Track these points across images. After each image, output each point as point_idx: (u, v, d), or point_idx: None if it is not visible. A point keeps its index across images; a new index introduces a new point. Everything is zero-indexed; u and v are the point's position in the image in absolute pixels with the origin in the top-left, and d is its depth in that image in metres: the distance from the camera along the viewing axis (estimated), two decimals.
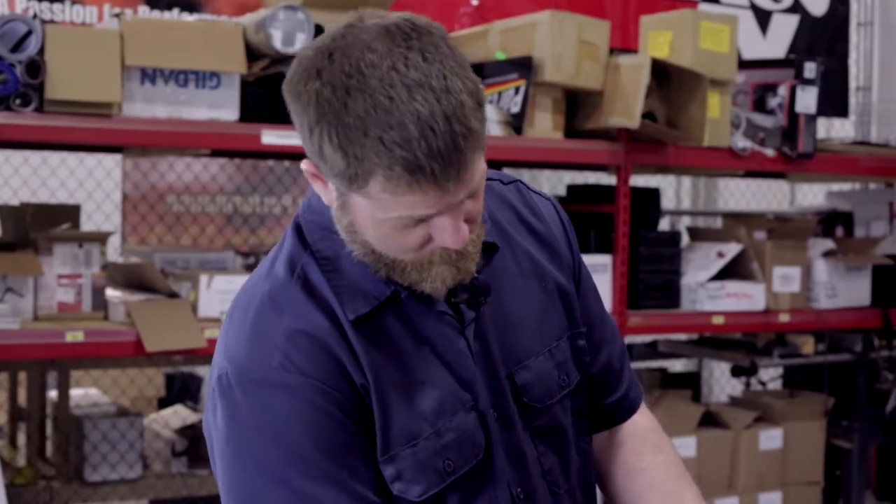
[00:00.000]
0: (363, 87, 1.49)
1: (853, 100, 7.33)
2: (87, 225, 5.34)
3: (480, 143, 1.56)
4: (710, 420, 5.23)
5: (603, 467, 2.00)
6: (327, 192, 1.63)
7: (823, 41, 7.03)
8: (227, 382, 1.66)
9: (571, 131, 4.61)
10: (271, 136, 3.96)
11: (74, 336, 3.77)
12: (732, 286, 4.99)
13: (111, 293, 4.08)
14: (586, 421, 1.92)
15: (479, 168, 1.58)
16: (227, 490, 1.68)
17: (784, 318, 5.10)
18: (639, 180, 5.41)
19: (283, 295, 1.68)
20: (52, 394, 4.75)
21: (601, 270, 4.59)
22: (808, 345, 5.45)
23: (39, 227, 4.12)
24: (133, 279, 4.15)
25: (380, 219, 1.57)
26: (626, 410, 2.01)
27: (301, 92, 1.54)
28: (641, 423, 2.02)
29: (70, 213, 4.49)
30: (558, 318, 1.88)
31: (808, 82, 5.00)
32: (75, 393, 4.91)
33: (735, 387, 6.87)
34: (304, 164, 1.62)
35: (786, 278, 5.13)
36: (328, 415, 1.63)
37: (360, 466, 1.65)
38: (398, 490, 1.68)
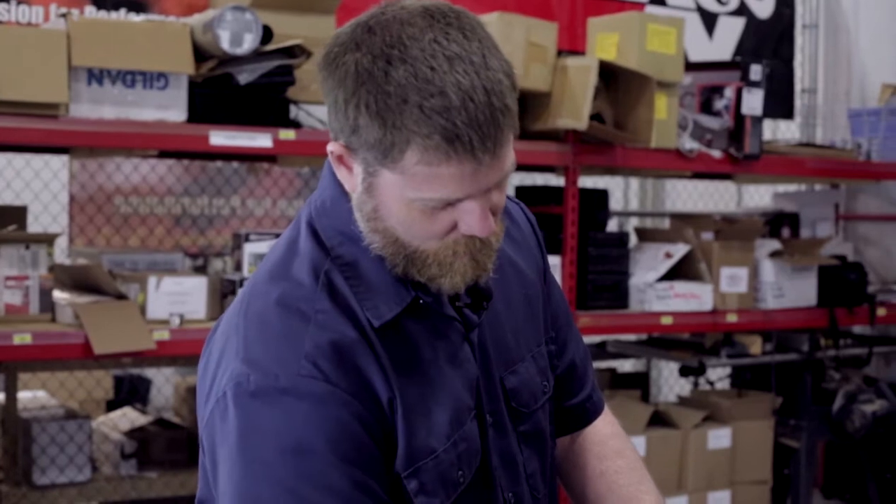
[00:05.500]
0: (405, 56, 1.50)
1: (798, 102, 7.39)
2: (33, 226, 5.30)
3: (514, 125, 1.56)
4: (658, 420, 5.26)
5: (565, 471, 2.02)
6: (351, 178, 1.61)
7: (769, 44, 7.09)
8: (247, 388, 1.59)
9: (520, 133, 4.62)
10: (219, 137, 3.94)
11: (22, 338, 3.73)
12: (680, 287, 5.02)
13: (58, 295, 4.05)
14: (553, 426, 1.93)
15: (511, 153, 1.58)
16: (231, 498, 1.60)
17: (732, 318, 5.13)
18: (587, 181, 5.43)
19: (309, 303, 1.64)
20: (0, 396, 4.71)
21: None
22: (755, 345, 5.50)
23: None
24: (81, 281, 4.12)
25: (409, 198, 1.55)
26: (590, 413, 2.02)
27: (338, 64, 1.54)
28: (603, 428, 2.03)
29: (16, 215, 4.46)
30: (538, 324, 1.90)
31: (754, 84, 5.05)
32: (23, 395, 4.87)
33: (683, 387, 6.92)
34: (330, 146, 1.61)
35: (733, 279, 5.16)
36: (350, 429, 1.59)
37: (373, 485, 1.61)
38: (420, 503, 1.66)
